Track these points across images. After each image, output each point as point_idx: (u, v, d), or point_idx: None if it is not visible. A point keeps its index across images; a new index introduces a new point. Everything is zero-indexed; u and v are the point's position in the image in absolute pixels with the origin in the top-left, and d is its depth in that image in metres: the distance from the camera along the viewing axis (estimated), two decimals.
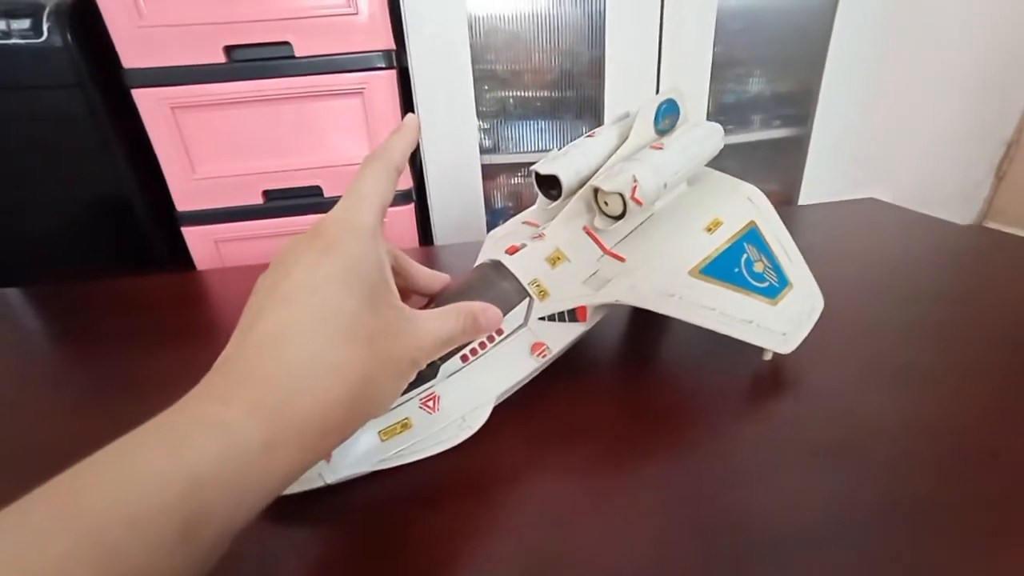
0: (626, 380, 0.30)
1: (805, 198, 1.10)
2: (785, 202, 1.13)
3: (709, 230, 0.29)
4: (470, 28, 0.84)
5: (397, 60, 0.80)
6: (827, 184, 1.10)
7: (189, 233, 0.83)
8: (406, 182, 0.87)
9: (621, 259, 0.28)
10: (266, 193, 0.83)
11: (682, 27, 0.89)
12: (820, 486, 0.22)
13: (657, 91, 0.93)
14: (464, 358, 0.24)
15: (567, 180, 0.29)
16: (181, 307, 0.42)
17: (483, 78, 0.95)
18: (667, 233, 0.29)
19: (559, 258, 0.28)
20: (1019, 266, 0.43)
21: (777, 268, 0.30)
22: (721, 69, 0.98)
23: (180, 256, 0.85)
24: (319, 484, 0.22)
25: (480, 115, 0.96)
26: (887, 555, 0.19)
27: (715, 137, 0.33)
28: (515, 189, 1.07)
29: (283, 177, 0.82)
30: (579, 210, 0.29)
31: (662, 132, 0.32)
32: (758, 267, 0.29)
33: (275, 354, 0.17)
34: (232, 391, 0.16)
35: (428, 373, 0.24)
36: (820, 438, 0.25)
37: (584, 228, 0.29)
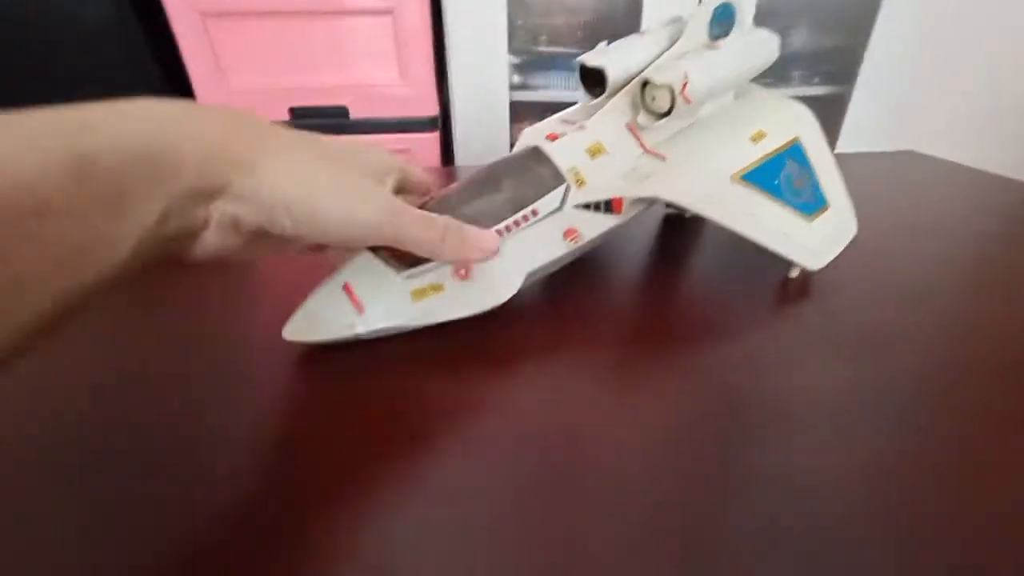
0: (653, 283, 0.30)
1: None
2: None
3: (754, 140, 0.29)
4: None
5: None
6: (864, 145, 1.06)
7: None
8: (431, 108, 0.86)
9: (662, 157, 0.28)
10: (292, 111, 0.83)
11: None
12: (842, 374, 0.23)
13: None
14: (500, 233, 0.24)
15: (614, 75, 0.28)
16: None
17: (518, 8, 0.93)
18: (711, 138, 0.28)
19: (599, 150, 0.27)
20: None
21: (816, 187, 0.30)
22: (761, 19, 0.94)
23: None
24: (350, 334, 0.23)
25: (512, 50, 0.94)
26: (908, 440, 0.19)
27: (771, 45, 0.31)
28: None
29: (310, 95, 0.82)
30: (624, 106, 0.28)
31: (715, 38, 0.31)
32: (798, 183, 0.29)
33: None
34: None
35: None
36: (843, 340, 0.25)
37: (627, 125, 0.28)
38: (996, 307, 0.28)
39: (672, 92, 0.27)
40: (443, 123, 0.90)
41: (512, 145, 0.93)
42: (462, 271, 0.24)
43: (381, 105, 0.84)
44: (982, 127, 1.37)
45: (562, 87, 0.97)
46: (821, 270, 0.29)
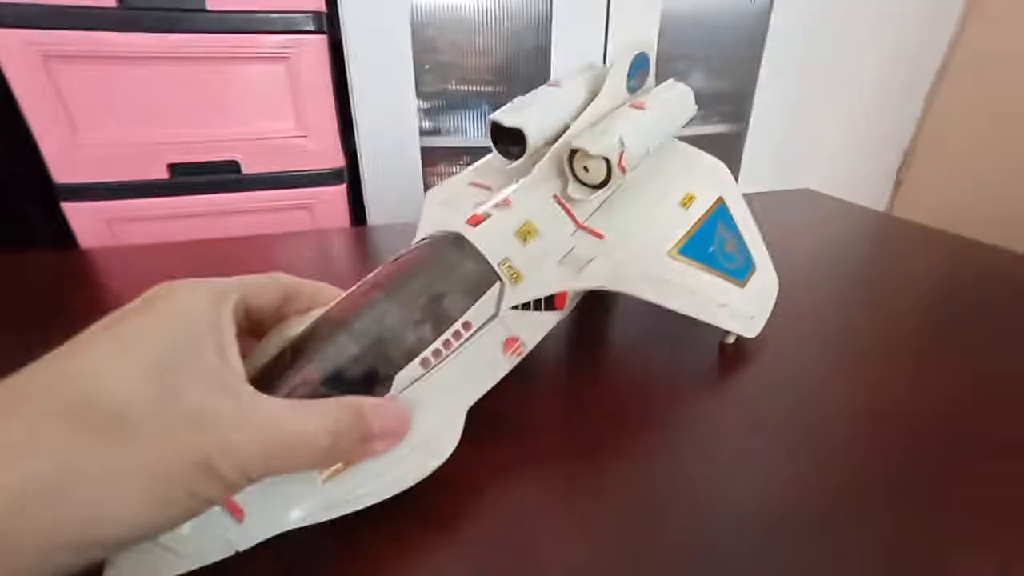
0: (581, 368, 0.27)
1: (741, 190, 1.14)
2: None
3: (684, 205, 0.27)
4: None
5: (329, 24, 0.72)
6: (762, 178, 1.14)
7: (72, 210, 0.71)
8: (337, 160, 0.79)
9: (599, 235, 0.25)
10: (171, 167, 0.72)
11: (627, 18, 0.88)
12: (785, 468, 0.21)
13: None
14: (425, 362, 0.19)
15: (533, 136, 0.25)
16: (65, 288, 0.34)
17: (425, 52, 0.89)
18: (643, 207, 0.26)
19: (530, 232, 0.23)
20: (930, 250, 0.47)
21: (743, 248, 0.29)
22: (663, 64, 0.98)
23: (68, 240, 0.72)
24: (226, 554, 0.16)
25: (420, 95, 0.90)
26: (856, 536, 0.18)
27: (690, 99, 0.31)
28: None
29: (193, 149, 0.72)
30: (548, 174, 0.25)
31: (631, 90, 0.29)
32: (729, 247, 0.28)
33: None
34: None
35: (381, 382, 0.18)
36: (781, 422, 0.24)
37: (555, 197, 0.25)
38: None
39: (608, 163, 0.24)
40: (351, 174, 0.83)
41: (425, 190, 0.89)
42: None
43: (279, 158, 0.75)
44: (867, 153, 1.54)
45: (473, 131, 0.94)
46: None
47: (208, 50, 0.67)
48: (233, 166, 0.74)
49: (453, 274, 0.21)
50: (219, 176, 0.74)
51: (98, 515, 0.12)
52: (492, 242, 0.22)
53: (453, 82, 0.94)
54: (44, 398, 0.12)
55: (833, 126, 1.43)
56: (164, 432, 0.13)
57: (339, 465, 0.17)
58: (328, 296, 0.20)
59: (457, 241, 0.22)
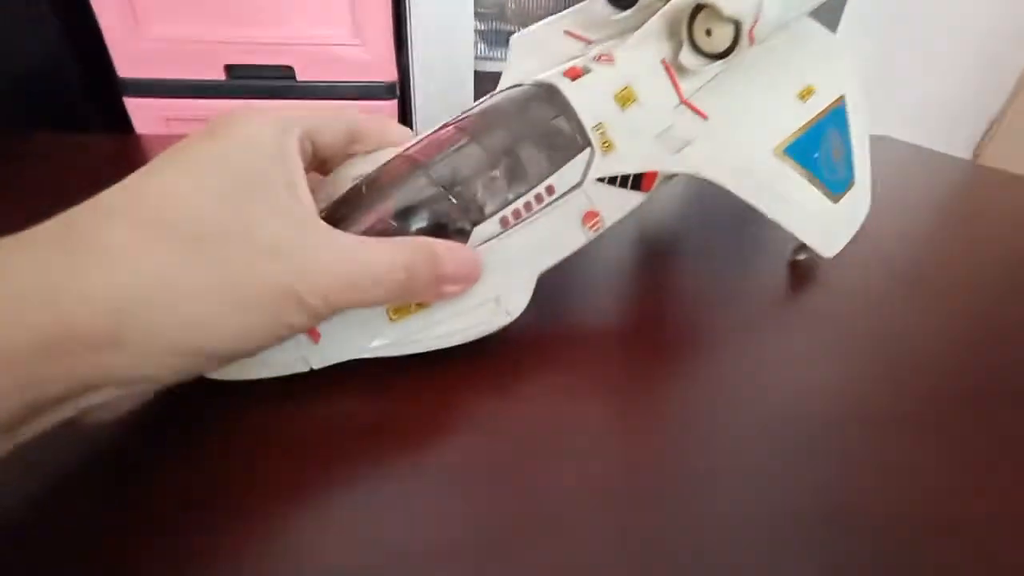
0: (644, 272, 0.26)
1: None
2: None
3: (802, 98, 0.24)
4: None
5: None
6: None
7: (133, 105, 0.72)
8: (389, 73, 0.77)
9: (703, 115, 0.22)
10: (228, 68, 0.72)
11: None
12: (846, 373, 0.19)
13: None
14: (504, 221, 0.18)
15: None
16: (124, 172, 0.34)
17: None
18: (755, 93, 0.23)
19: (630, 98, 0.21)
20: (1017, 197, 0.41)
21: (849, 160, 0.26)
22: None
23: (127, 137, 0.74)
24: (301, 369, 0.16)
25: (477, 15, 0.87)
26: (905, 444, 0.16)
27: None
28: None
29: (249, 51, 0.72)
30: (659, 33, 0.22)
31: None
32: (836, 155, 0.25)
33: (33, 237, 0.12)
34: None
35: (457, 233, 0.17)
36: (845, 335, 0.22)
37: (662, 61, 0.22)
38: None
39: (738, 28, 0.20)
40: (401, 91, 0.82)
41: None
42: None
43: (333, 67, 0.75)
44: (947, 120, 1.43)
45: None
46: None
47: None
48: (288, 72, 0.74)
49: (542, 132, 0.19)
50: (274, 81, 0.74)
51: (197, 325, 0.12)
52: (589, 101, 0.20)
53: (511, 5, 0.90)
54: (133, 213, 0.12)
55: (915, 87, 1.32)
56: (245, 258, 0.13)
57: (411, 306, 0.17)
58: (395, 136, 0.19)
59: (549, 94, 0.20)
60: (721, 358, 0.21)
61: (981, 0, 1.26)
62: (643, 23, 0.22)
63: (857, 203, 0.26)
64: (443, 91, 0.83)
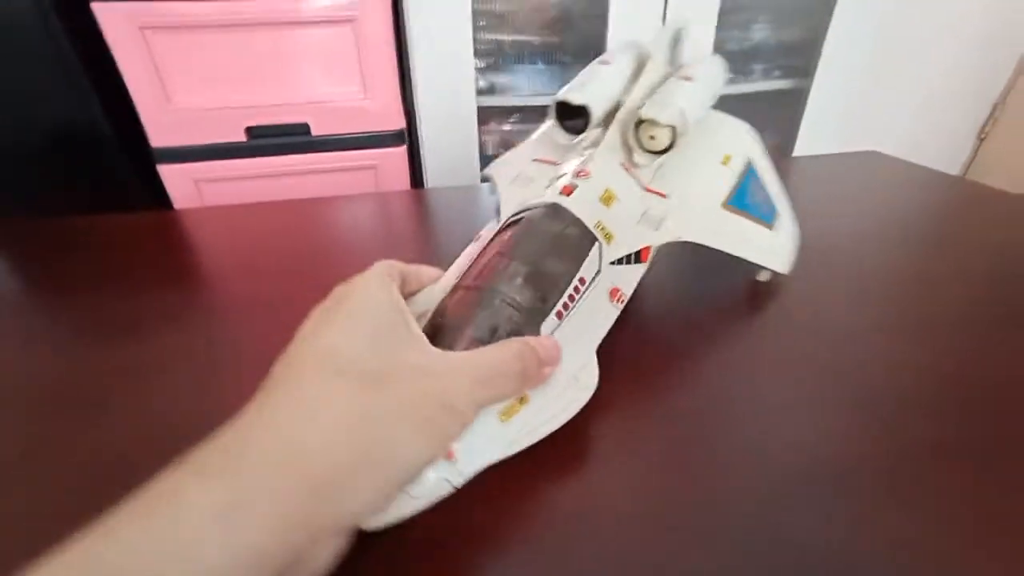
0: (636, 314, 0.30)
1: (800, 151, 1.10)
2: (781, 154, 1.12)
3: (724, 163, 0.30)
4: None
5: None
6: (822, 138, 1.09)
7: (166, 171, 0.78)
8: (397, 121, 0.82)
9: (663, 195, 0.28)
10: (249, 130, 0.78)
11: None
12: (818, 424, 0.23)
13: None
14: (559, 315, 0.22)
15: (596, 112, 0.28)
16: (161, 247, 0.39)
17: (480, 14, 0.90)
18: (691, 169, 0.29)
19: (611, 198, 0.26)
20: (1004, 218, 0.44)
21: (769, 198, 0.32)
22: (726, 14, 0.94)
23: (160, 199, 0.80)
24: (447, 491, 0.18)
25: (476, 54, 0.91)
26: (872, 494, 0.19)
27: (724, 71, 0.34)
28: (507, 136, 1.03)
29: (267, 112, 0.77)
30: (614, 145, 0.28)
31: (673, 62, 0.32)
32: (759, 197, 0.31)
33: (257, 406, 0.15)
34: (201, 457, 0.14)
35: (531, 333, 0.22)
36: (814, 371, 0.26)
37: (622, 164, 0.28)
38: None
39: (674, 130, 0.27)
40: (409, 137, 0.87)
41: (481, 149, 0.90)
42: None
43: (344, 121, 0.80)
44: (936, 119, 1.43)
45: (525, 88, 0.95)
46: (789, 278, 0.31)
47: (281, 15, 0.71)
48: (304, 128, 0.79)
49: (561, 238, 0.24)
50: (291, 138, 0.79)
51: (395, 452, 0.15)
52: (585, 208, 0.25)
53: (508, 42, 0.94)
54: (316, 365, 0.16)
55: (915, 76, 1.33)
56: (404, 381, 0.16)
57: (514, 403, 0.20)
58: (429, 276, 0.24)
59: (555, 211, 0.25)
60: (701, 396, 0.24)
61: None
62: (592, 142, 0.28)
63: (788, 226, 0.32)
64: (448, 131, 0.88)
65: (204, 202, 0.81)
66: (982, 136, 1.53)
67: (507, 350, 0.19)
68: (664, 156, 0.28)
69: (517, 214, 0.26)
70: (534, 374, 0.19)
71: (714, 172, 0.30)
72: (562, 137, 0.30)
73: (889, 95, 1.35)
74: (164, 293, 0.32)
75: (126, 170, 0.80)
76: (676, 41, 0.30)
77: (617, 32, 0.88)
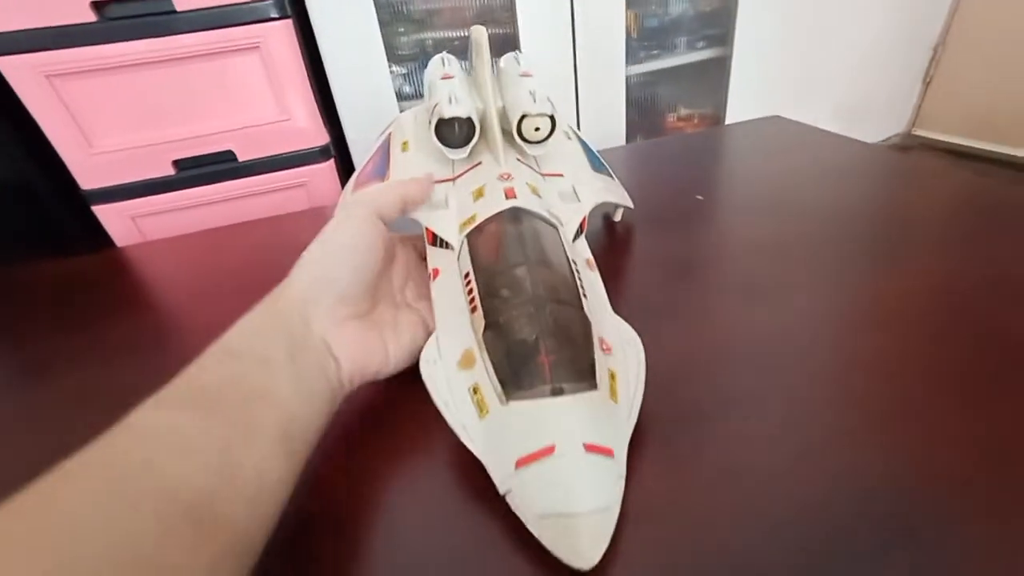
0: None
1: (731, 119, 1.11)
2: (714, 123, 1.13)
3: (570, 137, 0.35)
4: None
5: (292, 6, 0.75)
6: (753, 102, 1.11)
7: (101, 211, 0.80)
8: (320, 137, 0.84)
9: (560, 175, 0.31)
10: (176, 163, 0.80)
11: None
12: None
13: (572, 19, 0.91)
14: (585, 296, 0.24)
15: (478, 121, 0.29)
16: (106, 287, 0.42)
17: (396, 20, 0.91)
18: (554, 147, 0.31)
19: (535, 189, 0.28)
20: (899, 176, 0.46)
21: (596, 157, 0.37)
22: None
23: (102, 238, 0.83)
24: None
25: (397, 59, 0.93)
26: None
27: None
28: None
29: (192, 144, 0.79)
30: (506, 147, 0.30)
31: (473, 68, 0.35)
32: (594, 155, 0.36)
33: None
34: None
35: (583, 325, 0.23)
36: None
37: (518, 159, 0.30)
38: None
39: (552, 118, 0.29)
40: (339, 149, 0.89)
41: None
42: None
43: (268, 143, 0.81)
44: (879, 71, 1.44)
45: None
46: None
47: (186, 50, 0.72)
48: (230, 155, 0.81)
49: (541, 233, 0.26)
50: (219, 166, 0.81)
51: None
52: (534, 203, 0.27)
53: (429, 43, 0.95)
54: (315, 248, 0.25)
55: (841, 33, 1.33)
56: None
57: (611, 385, 0.21)
58: (420, 193, 0.28)
59: (515, 213, 0.26)
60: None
61: None
62: (477, 153, 0.30)
63: (612, 174, 0.37)
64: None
65: (144, 236, 0.83)
66: (927, 80, 1.54)
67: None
68: (546, 143, 0.30)
69: (485, 221, 0.26)
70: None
71: (570, 146, 0.34)
72: (452, 153, 0.30)
73: (826, 52, 1.35)
74: (114, 330, 0.35)
75: (63, 213, 0.82)
76: (480, 47, 0.32)
77: (529, 25, 0.89)
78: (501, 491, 0.18)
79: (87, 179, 0.78)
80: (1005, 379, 0.23)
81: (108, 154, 0.76)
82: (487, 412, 0.20)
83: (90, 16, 0.67)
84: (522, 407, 0.19)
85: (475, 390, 0.20)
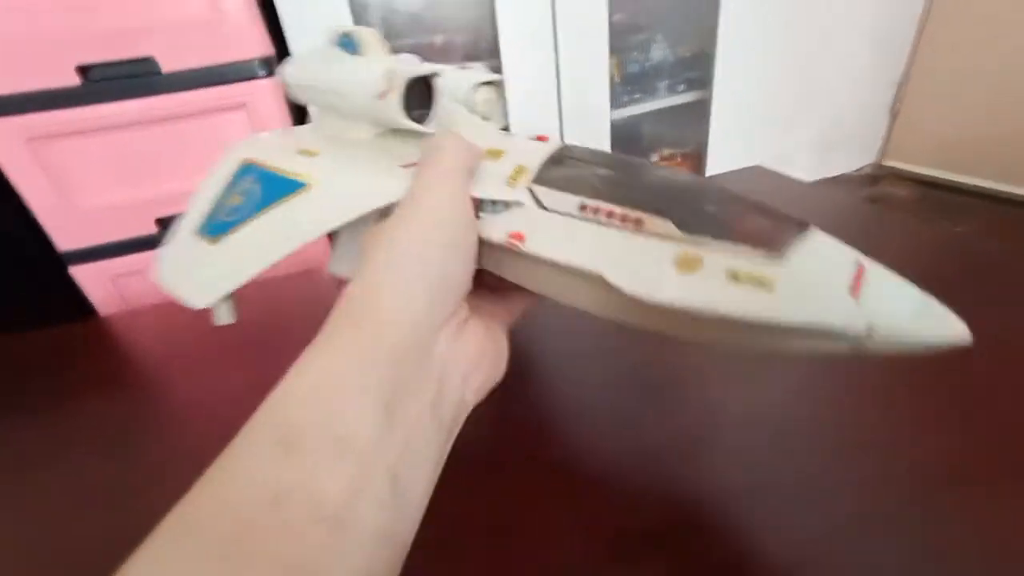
0: None
1: (713, 157, 1.14)
2: (697, 160, 1.16)
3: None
4: (356, 15, 0.80)
5: (277, 63, 0.75)
6: (733, 140, 1.14)
7: (79, 272, 0.77)
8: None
9: (544, 139, 0.26)
10: (160, 221, 0.78)
11: None
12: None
13: (557, 66, 0.93)
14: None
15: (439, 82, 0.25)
16: (87, 359, 0.39)
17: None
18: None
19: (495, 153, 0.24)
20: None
21: None
22: (623, 36, 0.98)
23: (79, 300, 0.79)
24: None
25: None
26: None
27: None
28: None
29: (176, 202, 0.77)
30: (469, 116, 0.25)
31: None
32: None
33: None
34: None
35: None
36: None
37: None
38: None
39: (496, 87, 0.25)
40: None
41: None
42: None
43: None
44: (836, 106, 1.50)
45: None
46: None
47: (170, 110, 0.71)
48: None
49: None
50: None
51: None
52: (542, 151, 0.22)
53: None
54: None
55: (811, 72, 1.39)
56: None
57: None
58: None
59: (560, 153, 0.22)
60: None
61: None
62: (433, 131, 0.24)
63: None
64: None
65: (123, 296, 0.80)
66: (894, 114, 1.61)
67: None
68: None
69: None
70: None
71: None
72: (418, 126, 0.24)
73: (800, 90, 1.41)
74: (99, 412, 0.32)
75: (37, 277, 0.79)
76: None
77: (512, 64, 0.91)
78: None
79: (66, 239, 0.75)
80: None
81: (87, 214, 0.74)
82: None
83: (75, 80, 0.66)
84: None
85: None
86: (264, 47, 0.73)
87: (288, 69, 0.27)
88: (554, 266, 0.19)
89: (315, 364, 0.14)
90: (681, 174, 0.20)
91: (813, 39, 1.35)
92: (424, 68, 0.23)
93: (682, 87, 1.08)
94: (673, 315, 0.16)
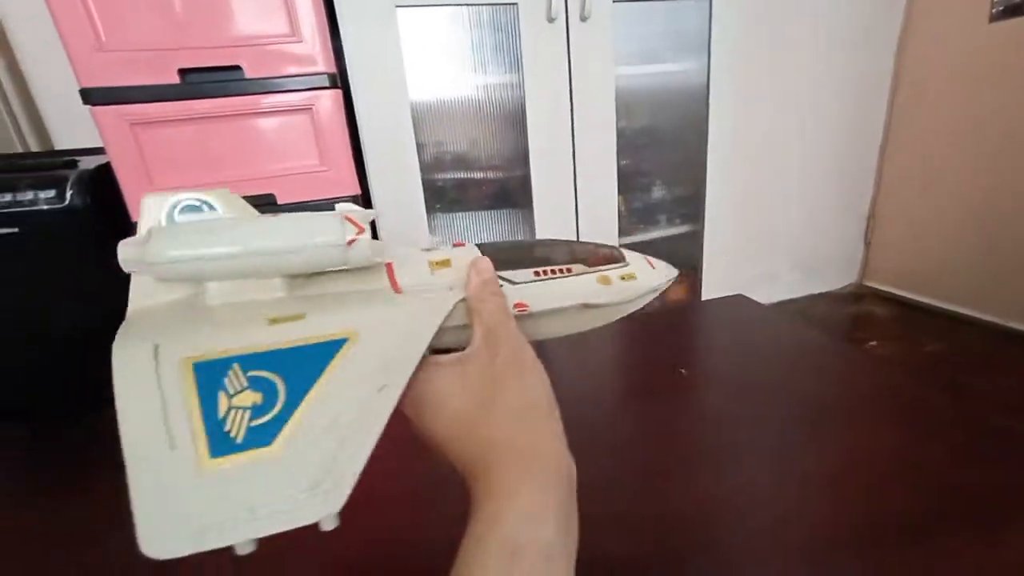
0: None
1: (708, 274, 1.31)
2: (693, 277, 1.33)
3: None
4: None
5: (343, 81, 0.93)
6: (723, 261, 1.32)
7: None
8: (354, 187, 0.95)
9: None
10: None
11: (587, 142, 1.12)
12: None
13: (576, 202, 1.14)
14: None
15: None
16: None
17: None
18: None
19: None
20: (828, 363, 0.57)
21: None
22: (630, 179, 1.21)
23: None
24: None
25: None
26: None
27: None
28: None
29: (240, 188, 0.87)
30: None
31: None
32: None
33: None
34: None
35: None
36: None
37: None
38: None
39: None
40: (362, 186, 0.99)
41: None
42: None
43: (306, 188, 0.93)
44: (817, 233, 1.72)
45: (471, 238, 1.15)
46: None
47: (251, 108, 0.86)
48: (271, 198, 0.91)
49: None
50: (259, 206, 0.92)
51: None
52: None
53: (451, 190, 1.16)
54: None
55: (790, 207, 1.62)
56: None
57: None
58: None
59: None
60: None
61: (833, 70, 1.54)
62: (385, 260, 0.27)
63: None
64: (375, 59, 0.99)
65: None
66: (868, 243, 1.82)
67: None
68: None
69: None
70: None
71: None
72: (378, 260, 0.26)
73: (778, 222, 1.63)
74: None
75: None
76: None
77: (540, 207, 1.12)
78: None
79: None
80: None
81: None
82: None
83: (175, 79, 0.83)
84: None
85: None
86: (329, 64, 0.89)
87: (158, 247, 0.21)
88: (552, 312, 0.27)
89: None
90: (559, 240, 0.31)
91: (790, 179, 1.59)
92: (371, 212, 0.24)
93: (678, 220, 1.30)
94: (599, 313, 0.29)
